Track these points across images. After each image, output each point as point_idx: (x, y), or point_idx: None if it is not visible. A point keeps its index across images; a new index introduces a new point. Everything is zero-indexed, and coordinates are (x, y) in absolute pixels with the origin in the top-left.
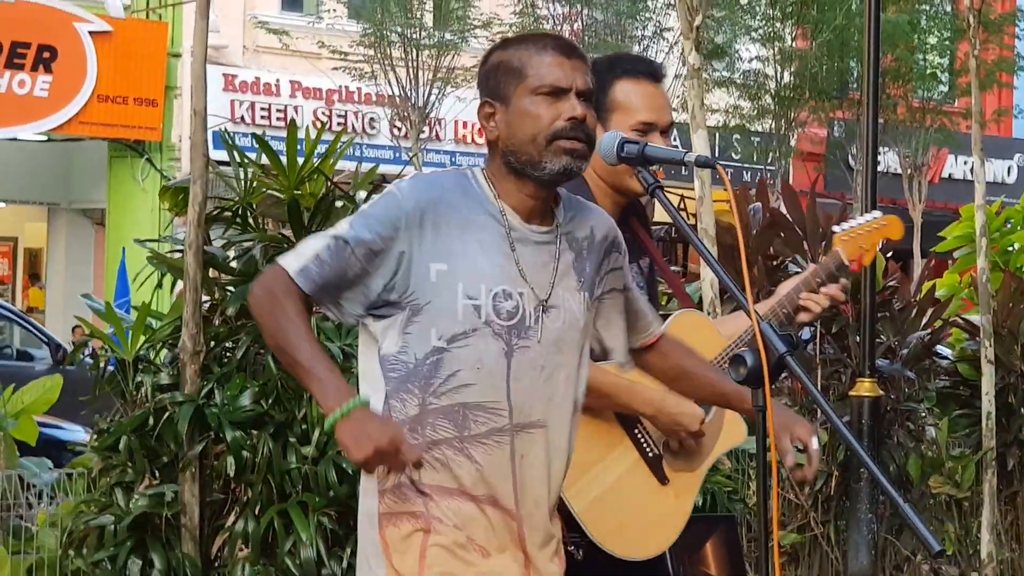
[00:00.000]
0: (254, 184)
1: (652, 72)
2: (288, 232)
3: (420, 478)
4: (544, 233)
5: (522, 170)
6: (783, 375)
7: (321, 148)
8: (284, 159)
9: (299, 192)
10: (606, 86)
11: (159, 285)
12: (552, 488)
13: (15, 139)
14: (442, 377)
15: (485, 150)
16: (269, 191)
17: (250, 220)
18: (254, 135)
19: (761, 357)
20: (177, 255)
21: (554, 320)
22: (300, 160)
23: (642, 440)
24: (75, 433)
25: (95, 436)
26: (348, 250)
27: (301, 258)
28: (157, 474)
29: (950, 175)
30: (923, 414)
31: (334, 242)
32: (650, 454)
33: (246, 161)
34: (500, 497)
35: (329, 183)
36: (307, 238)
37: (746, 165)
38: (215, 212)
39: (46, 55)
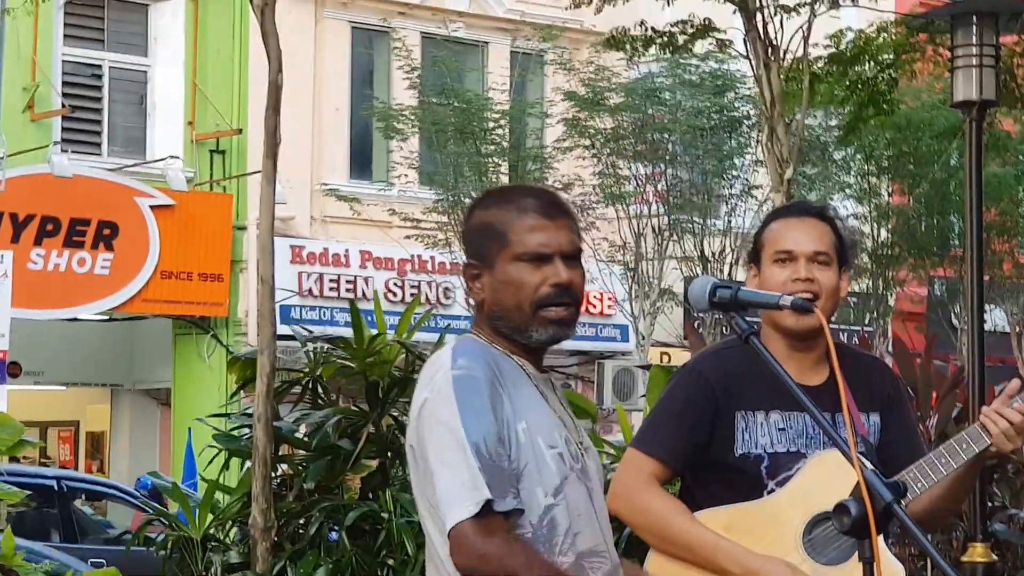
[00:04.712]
0: (323, 356)
1: (797, 209)
2: (364, 406)
3: None
4: (547, 379)
5: (510, 335)
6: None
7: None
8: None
9: (371, 360)
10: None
11: (226, 466)
12: None
13: (75, 319)
14: (561, 534)
15: None
16: (340, 361)
17: (320, 393)
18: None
19: (866, 505)
20: (244, 430)
21: (590, 458)
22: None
23: None
24: None
25: None
26: (494, 451)
27: (480, 492)
28: None
29: None
30: None
31: (476, 457)
32: None
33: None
34: None
35: (409, 354)
36: (444, 473)
37: (843, 327)
38: (284, 385)
39: (107, 232)
